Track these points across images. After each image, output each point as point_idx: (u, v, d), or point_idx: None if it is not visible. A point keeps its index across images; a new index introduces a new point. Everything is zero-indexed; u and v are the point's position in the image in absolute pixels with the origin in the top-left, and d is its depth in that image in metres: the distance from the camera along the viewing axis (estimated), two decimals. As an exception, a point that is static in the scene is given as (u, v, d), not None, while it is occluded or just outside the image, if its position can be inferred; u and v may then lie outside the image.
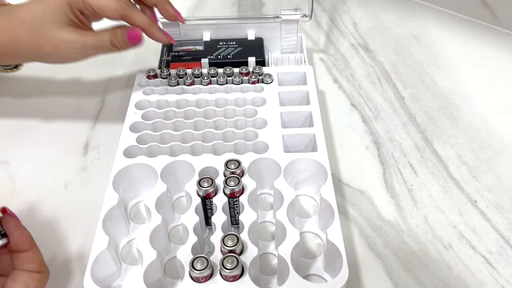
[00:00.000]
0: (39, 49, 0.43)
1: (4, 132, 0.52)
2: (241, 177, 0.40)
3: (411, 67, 0.60)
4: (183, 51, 0.56)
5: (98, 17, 0.45)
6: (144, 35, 0.45)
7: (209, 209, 0.40)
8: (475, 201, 0.44)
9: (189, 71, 0.50)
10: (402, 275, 0.39)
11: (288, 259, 0.34)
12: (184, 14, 0.56)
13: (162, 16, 0.50)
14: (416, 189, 0.45)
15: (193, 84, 0.50)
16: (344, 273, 0.34)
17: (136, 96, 0.48)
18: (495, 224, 0.42)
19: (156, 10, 0.49)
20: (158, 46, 0.58)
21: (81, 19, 0.44)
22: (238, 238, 0.35)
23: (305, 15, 0.56)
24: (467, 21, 0.67)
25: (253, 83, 0.49)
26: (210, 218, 0.39)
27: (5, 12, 0.43)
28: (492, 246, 0.41)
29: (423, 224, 0.42)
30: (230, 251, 0.34)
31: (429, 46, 0.63)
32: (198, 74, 0.50)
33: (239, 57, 0.54)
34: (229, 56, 0.55)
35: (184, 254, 0.35)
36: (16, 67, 0.53)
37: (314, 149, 0.44)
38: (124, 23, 0.45)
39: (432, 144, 0.50)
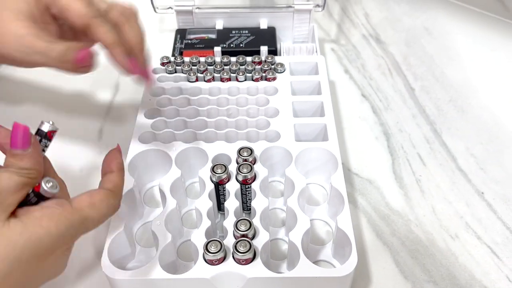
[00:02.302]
0: None
1: (19, 117, 0.53)
2: (253, 164, 0.41)
3: (422, 59, 0.60)
4: (196, 39, 0.57)
5: (61, 19, 0.37)
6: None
7: (221, 195, 0.41)
8: (482, 193, 0.45)
9: (202, 59, 0.51)
10: (409, 263, 0.40)
11: (298, 245, 0.35)
12: (198, 2, 0.56)
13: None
14: (424, 180, 0.46)
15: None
16: (353, 260, 0.35)
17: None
18: (501, 216, 0.43)
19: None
20: (171, 33, 0.58)
21: (46, 19, 0.37)
22: (250, 223, 0.36)
23: (317, 5, 0.57)
24: (478, 13, 0.67)
25: (258, 79, 0.49)
26: (223, 203, 0.40)
27: None
28: (497, 236, 0.42)
29: (430, 214, 0.43)
30: (243, 236, 0.35)
31: (440, 38, 0.63)
32: (211, 62, 0.50)
33: (251, 46, 0.55)
34: (241, 45, 0.55)
35: (198, 238, 0.36)
36: None
37: (324, 138, 0.44)
38: None
39: (441, 136, 0.50)
